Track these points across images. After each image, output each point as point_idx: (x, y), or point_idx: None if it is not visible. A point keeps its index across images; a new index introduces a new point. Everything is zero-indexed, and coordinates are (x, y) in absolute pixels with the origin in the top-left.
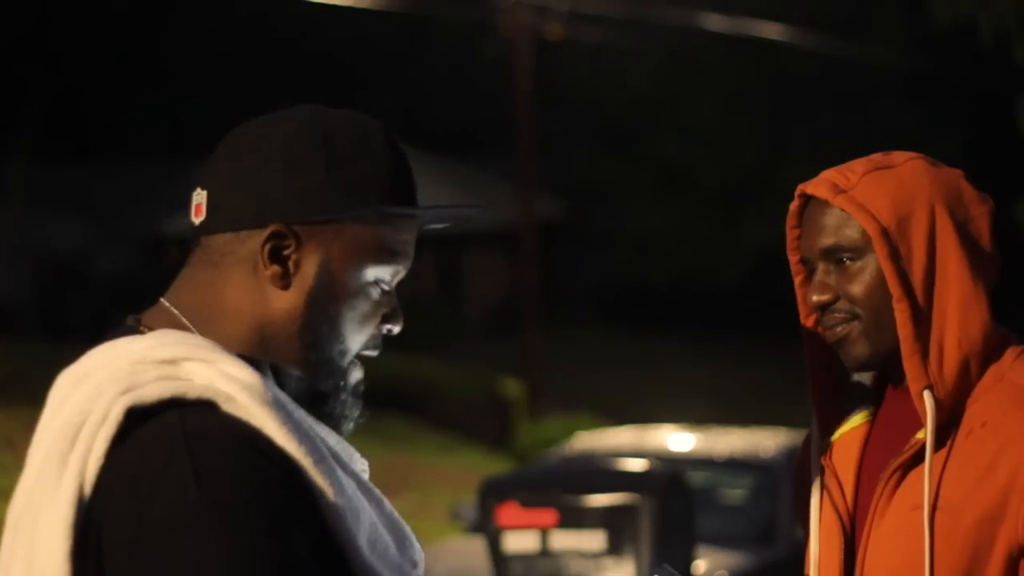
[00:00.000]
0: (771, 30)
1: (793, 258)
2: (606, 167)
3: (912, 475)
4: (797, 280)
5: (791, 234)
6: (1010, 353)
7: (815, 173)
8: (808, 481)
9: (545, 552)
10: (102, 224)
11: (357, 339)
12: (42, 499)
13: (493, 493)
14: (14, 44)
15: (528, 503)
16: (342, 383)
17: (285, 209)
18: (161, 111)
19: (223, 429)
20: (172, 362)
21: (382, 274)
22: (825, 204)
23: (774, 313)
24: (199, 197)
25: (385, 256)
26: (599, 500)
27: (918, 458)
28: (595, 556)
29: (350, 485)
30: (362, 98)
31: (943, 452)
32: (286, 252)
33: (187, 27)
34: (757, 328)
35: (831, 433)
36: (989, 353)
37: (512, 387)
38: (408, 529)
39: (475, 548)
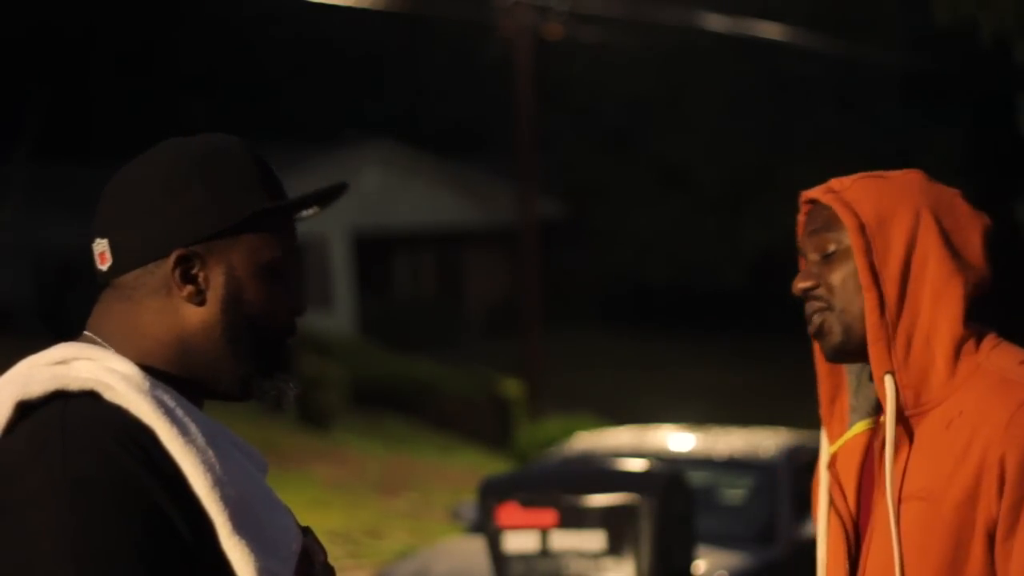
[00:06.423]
0: (771, 30)
1: (802, 264)
2: (606, 167)
3: (895, 468)
4: None
5: (799, 240)
6: (987, 343)
7: (815, 173)
8: (818, 489)
9: (545, 552)
10: None
11: (273, 328)
12: None
13: (493, 493)
14: (16, 43)
15: (528, 503)
16: (272, 366)
17: (181, 234)
18: (162, 111)
19: (98, 415)
20: (63, 362)
21: (279, 266)
22: (820, 204)
23: (774, 313)
24: (100, 246)
25: (277, 249)
26: (599, 500)
27: (900, 448)
28: (595, 556)
29: (232, 463)
30: (362, 98)
31: (924, 444)
32: (194, 272)
33: (188, 28)
34: (757, 328)
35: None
36: (960, 345)
37: (512, 387)
38: (293, 522)
39: (475, 548)
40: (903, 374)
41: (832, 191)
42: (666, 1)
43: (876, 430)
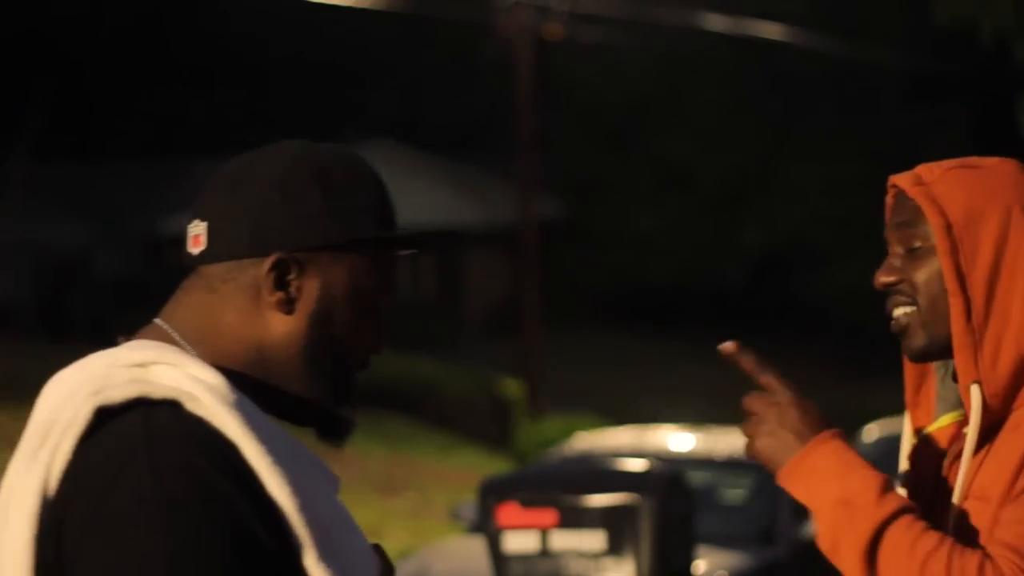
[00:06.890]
0: (771, 30)
1: (891, 252)
2: (606, 167)
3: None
4: None
5: (887, 228)
6: None
7: (815, 173)
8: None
9: (545, 552)
10: (102, 224)
11: (351, 357)
12: (13, 491)
13: (493, 493)
14: (16, 42)
15: (528, 503)
16: (341, 397)
17: (286, 238)
18: (162, 111)
19: (183, 428)
20: (142, 365)
21: (374, 296)
22: (906, 194)
23: (774, 313)
24: (198, 228)
25: (377, 279)
26: (599, 500)
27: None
28: (595, 556)
29: (314, 488)
30: (362, 98)
31: (989, 444)
32: (289, 279)
33: (188, 27)
34: (757, 328)
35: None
36: None
37: (512, 387)
38: (368, 544)
39: (475, 548)
40: (990, 384)
41: (920, 183)
42: (666, 1)
43: (960, 425)
